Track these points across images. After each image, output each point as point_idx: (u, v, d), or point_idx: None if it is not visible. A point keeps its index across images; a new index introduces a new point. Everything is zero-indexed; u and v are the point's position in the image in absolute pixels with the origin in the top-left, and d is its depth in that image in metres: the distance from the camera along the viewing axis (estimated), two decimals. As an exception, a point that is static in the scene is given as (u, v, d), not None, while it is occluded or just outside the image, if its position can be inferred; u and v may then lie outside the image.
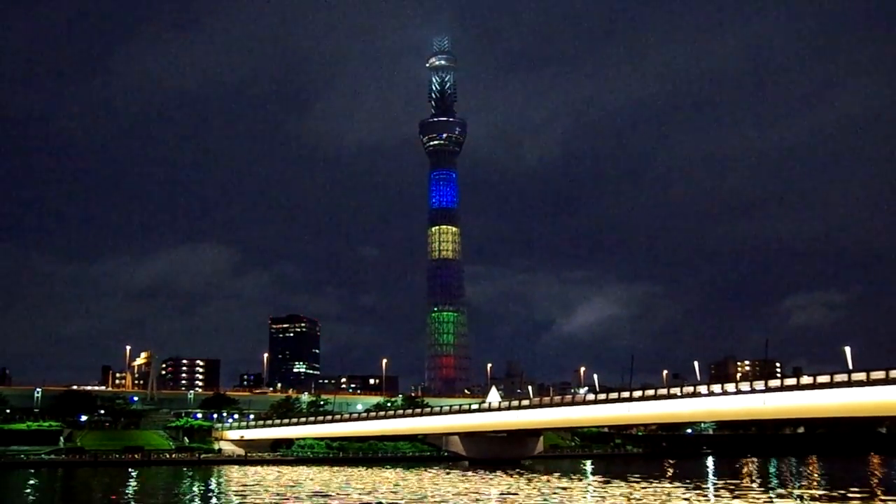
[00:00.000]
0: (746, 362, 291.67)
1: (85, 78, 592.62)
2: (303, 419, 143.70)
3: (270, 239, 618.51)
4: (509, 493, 63.92)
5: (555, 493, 63.40)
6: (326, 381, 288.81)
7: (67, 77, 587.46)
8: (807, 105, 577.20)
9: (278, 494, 64.23)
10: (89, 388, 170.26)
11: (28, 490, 76.24)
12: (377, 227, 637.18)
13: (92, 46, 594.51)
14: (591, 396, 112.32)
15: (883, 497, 59.35)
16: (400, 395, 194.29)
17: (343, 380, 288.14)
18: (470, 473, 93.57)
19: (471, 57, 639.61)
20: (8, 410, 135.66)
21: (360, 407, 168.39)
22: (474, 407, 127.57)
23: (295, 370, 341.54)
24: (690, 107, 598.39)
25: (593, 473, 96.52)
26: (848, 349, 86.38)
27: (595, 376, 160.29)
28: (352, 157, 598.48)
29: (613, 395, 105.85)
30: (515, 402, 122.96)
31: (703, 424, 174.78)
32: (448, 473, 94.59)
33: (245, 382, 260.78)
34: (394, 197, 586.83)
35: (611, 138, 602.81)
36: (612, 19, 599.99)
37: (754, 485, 75.16)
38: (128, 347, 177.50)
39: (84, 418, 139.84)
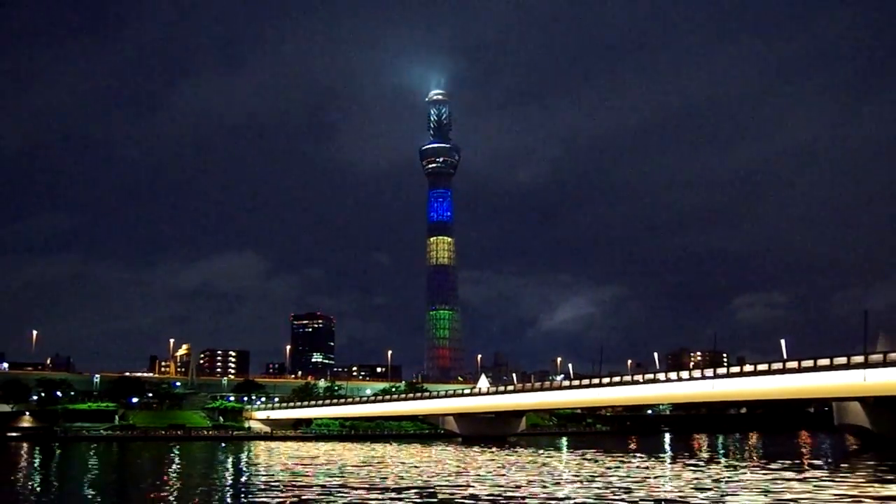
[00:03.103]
0: (698, 353, 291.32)
1: (146, 111, 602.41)
2: (320, 402, 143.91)
3: (297, 248, 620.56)
4: (502, 466, 64.53)
5: (545, 464, 64.12)
6: (340, 369, 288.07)
7: (131, 110, 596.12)
8: (756, 134, 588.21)
9: (300, 464, 64.86)
10: (139, 374, 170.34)
11: (90, 459, 76.81)
12: (386, 238, 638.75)
13: (153, 84, 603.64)
14: (566, 382, 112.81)
15: (810, 464, 60.19)
16: (403, 382, 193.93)
17: (354, 368, 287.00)
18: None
19: (469, 92, 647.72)
20: (72, 393, 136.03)
21: (368, 391, 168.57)
22: (467, 392, 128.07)
23: (313, 360, 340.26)
24: (658, 135, 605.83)
25: (568, 448, 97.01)
26: (783, 342, 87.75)
27: (570, 365, 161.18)
28: (365, 178, 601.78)
29: (585, 382, 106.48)
30: (502, 388, 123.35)
31: (661, 406, 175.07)
32: (443, 448, 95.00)
33: (270, 370, 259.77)
34: (399, 212, 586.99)
35: (591, 163, 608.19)
36: (592, 60, 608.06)
37: (704, 455, 75.94)
38: (171, 340, 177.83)
39: (135, 400, 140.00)
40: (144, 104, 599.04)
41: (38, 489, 47.77)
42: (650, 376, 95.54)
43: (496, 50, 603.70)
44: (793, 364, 77.66)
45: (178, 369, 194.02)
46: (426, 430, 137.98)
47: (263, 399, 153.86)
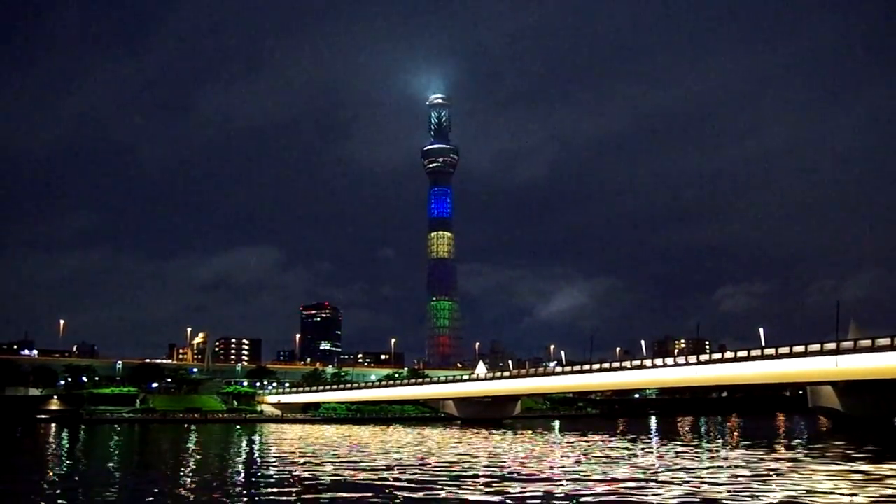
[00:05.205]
0: (683, 341, 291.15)
1: (170, 115, 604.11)
2: (327, 387, 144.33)
3: (309, 242, 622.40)
4: (501, 447, 64.98)
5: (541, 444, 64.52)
6: (347, 356, 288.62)
7: (156, 114, 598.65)
8: (737, 137, 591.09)
9: (308, 444, 65.26)
10: (159, 361, 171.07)
11: (113, 440, 77.31)
12: (390, 233, 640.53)
13: (177, 90, 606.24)
14: (559, 369, 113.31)
15: (783, 444, 60.66)
16: (405, 368, 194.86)
17: (360, 355, 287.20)
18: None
19: (470, 95, 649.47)
20: (97, 378, 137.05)
21: (373, 377, 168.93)
22: (465, 377, 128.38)
23: (321, 347, 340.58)
24: (647, 137, 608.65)
25: (560, 430, 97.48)
26: (762, 330, 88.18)
27: (563, 352, 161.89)
28: (371, 177, 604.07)
29: (577, 368, 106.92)
30: (498, 374, 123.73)
31: (647, 390, 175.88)
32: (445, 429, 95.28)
33: (281, 357, 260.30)
34: (403, 209, 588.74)
35: (584, 162, 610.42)
36: (586, 66, 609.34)
37: (686, 437, 76.43)
38: (189, 329, 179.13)
39: (155, 385, 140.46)
40: (169, 109, 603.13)
41: (68, 465, 48.30)
42: (637, 363, 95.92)
43: (495, 55, 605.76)
44: (770, 351, 78.18)
45: (195, 356, 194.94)
46: (427, 414, 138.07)
47: (275, 384, 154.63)
